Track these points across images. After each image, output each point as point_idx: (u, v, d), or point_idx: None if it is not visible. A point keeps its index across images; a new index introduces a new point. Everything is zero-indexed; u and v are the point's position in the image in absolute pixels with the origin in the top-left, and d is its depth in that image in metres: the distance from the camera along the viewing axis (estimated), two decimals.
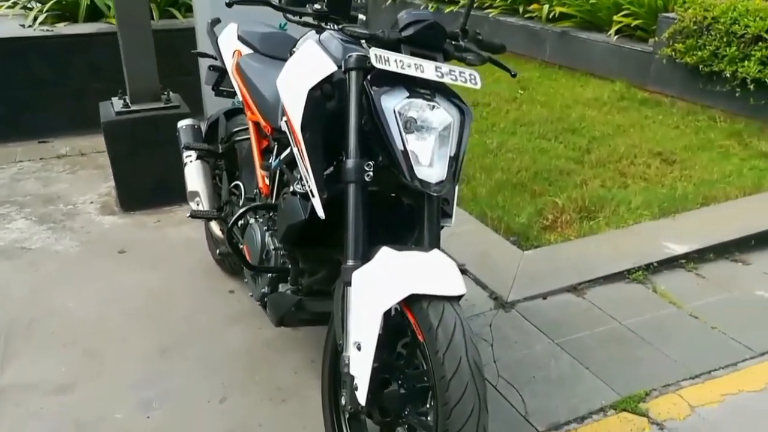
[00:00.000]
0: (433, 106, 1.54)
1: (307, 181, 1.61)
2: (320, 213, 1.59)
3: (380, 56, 1.46)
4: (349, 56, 1.54)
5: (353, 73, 1.53)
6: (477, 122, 4.77)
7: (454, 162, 1.57)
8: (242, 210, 1.91)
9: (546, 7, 6.55)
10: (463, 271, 2.80)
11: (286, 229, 1.72)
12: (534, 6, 6.78)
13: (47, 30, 4.40)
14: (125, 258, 2.94)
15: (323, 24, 1.60)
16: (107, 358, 2.25)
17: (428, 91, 1.55)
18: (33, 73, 4.31)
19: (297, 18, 1.63)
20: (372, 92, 1.49)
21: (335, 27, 1.60)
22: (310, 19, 1.62)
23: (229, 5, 1.65)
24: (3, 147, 4.21)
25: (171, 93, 3.40)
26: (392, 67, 1.47)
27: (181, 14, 4.64)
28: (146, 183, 3.32)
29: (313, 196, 1.58)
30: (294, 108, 1.60)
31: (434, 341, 1.37)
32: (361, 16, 1.66)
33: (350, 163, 1.51)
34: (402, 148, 1.48)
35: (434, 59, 1.56)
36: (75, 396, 2.08)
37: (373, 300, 1.43)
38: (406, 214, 1.71)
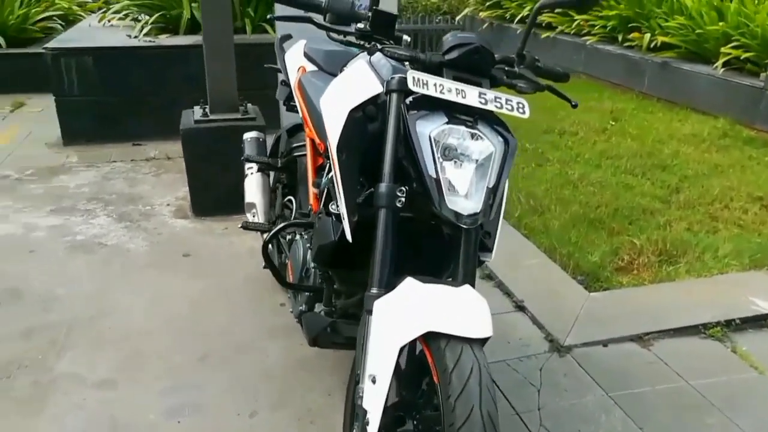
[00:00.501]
0: (474, 134, 1.46)
1: (339, 203, 1.57)
2: (348, 236, 1.54)
3: (418, 79, 1.41)
4: (391, 78, 1.49)
5: (393, 96, 1.48)
6: (561, 151, 4.60)
7: (492, 194, 1.48)
8: (279, 227, 1.90)
9: (647, 36, 6.24)
10: (521, 308, 2.66)
11: (317, 249, 1.69)
12: (634, 35, 6.48)
13: (150, 41, 4.67)
14: (188, 261, 3.03)
15: (366, 44, 1.56)
16: (151, 360, 2.30)
17: (470, 118, 1.47)
18: (134, 80, 4.58)
19: (341, 37, 1.61)
20: (407, 116, 1.44)
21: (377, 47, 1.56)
22: (353, 39, 1.59)
23: (272, 20, 1.65)
24: (101, 147, 4.50)
25: (249, 105, 3.49)
26: (430, 91, 1.41)
27: (273, 29, 4.79)
28: (218, 190, 3.41)
29: (343, 218, 1.54)
30: (333, 128, 1.57)
31: (447, 385, 1.28)
32: (406, 37, 1.61)
33: (383, 187, 1.46)
34: (434, 176, 1.41)
35: (479, 85, 1.48)
36: (116, 393, 2.14)
37: (391, 333, 1.36)
38: (446, 244, 1.63)
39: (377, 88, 1.54)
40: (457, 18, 9.90)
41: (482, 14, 9.19)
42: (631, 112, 5.67)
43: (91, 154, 4.41)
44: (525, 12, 8.09)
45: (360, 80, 1.61)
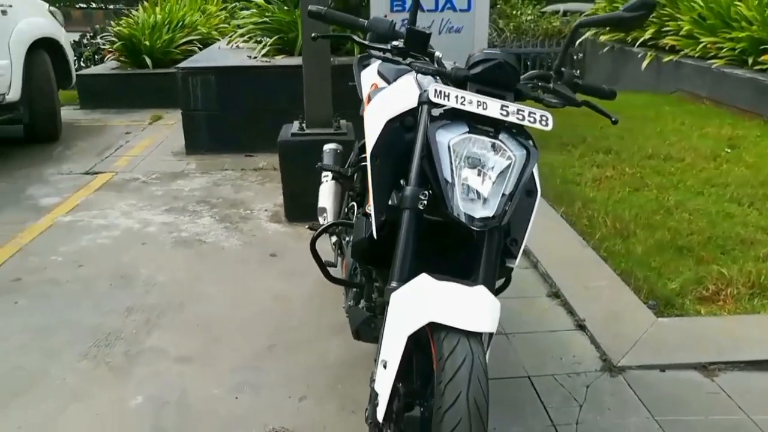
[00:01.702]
0: (494, 144, 1.55)
1: (370, 203, 1.71)
2: (374, 233, 1.68)
3: (440, 91, 1.53)
4: (424, 91, 1.62)
5: (424, 107, 1.61)
6: (662, 177, 4.42)
7: (508, 200, 1.56)
8: (324, 225, 2.08)
9: None
10: (581, 327, 2.65)
11: (352, 245, 1.84)
12: (766, 57, 6.08)
13: (266, 61, 5.11)
14: (273, 261, 3.30)
15: (402, 60, 1.70)
16: (225, 344, 2.56)
17: (491, 129, 1.56)
18: (250, 96, 5.03)
19: (380, 53, 1.76)
20: (430, 125, 1.56)
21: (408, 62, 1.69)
22: (390, 56, 1.73)
23: (314, 39, 1.84)
24: (218, 157, 4.98)
25: (342, 121, 3.74)
26: (451, 103, 1.52)
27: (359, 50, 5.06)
28: (309, 198, 3.65)
29: (371, 217, 1.69)
30: (371, 135, 1.73)
31: (441, 372, 1.37)
32: (438, 53, 1.73)
33: (408, 190, 1.59)
34: (450, 180, 1.52)
35: (502, 98, 1.57)
36: (190, 368, 2.41)
37: (401, 322, 1.48)
38: (473, 248, 1.72)
39: (413, 102, 1.68)
40: (578, 41, 9.75)
41: (603, 38, 8.99)
42: (753, 140, 5.32)
43: (208, 163, 4.89)
44: (647, 35, 7.83)
45: (401, 93, 1.76)
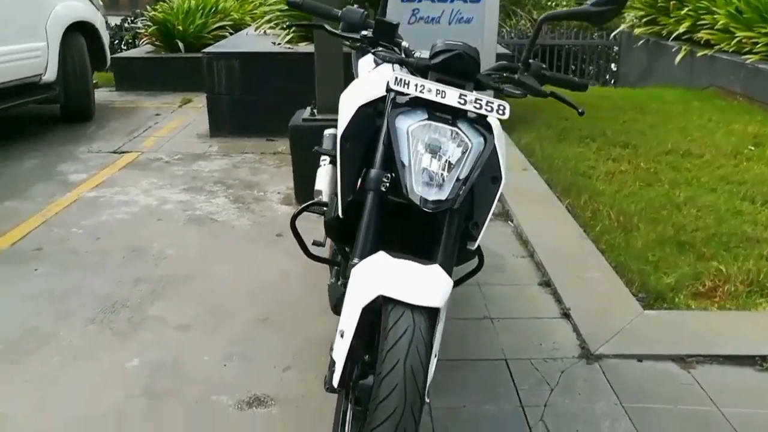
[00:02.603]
0: (452, 131, 1.63)
1: (338, 184, 1.81)
2: (339, 212, 1.78)
3: (400, 79, 1.61)
4: (391, 79, 1.71)
5: (391, 95, 1.70)
6: (676, 173, 4.39)
7: (462, 185, 1.63)
8: (304, 205, 2.18)
9: None
10: (566, 316, 2.70)
11: (324, 223, 1.95)
12: None
13: (289, 48, 5.23)
14: (279, 240, 3.43)
15: (370, 49, 1.79)
16: (222, 316, 2.70)
17: (450, 117, 1.64)
18: (272, 82, 5.17)
19: (349, 43, 1.85)
20: (390, 112, 1.65)
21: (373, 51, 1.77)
22: (360, 45, 1.82)
23: (288, 27, 1.94)
24: (240, 140, 5.14)
25: None
26: (411, 91, 1.61)
27: None
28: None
29: (338, 197, 1.79)
30: (343, 119, 1.83)
31: (384, 341, 1.47)
32: (405, 43, 1.80)
33: (372, 173, 1.68)
34: (406, 164, 1.61)
35: (462, 87, 1.64)
36: (187, 336, 2.56)
37: (357, 295, 1.58)
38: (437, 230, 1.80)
39: (383, 90, 1.77)
40: (613, 34, 9.61)
41: (637, 31, 8.84)
42: None
43: (230, 145, 5.06)
44: (681, 29, 7.67)
45: (375, 81, 1.85)
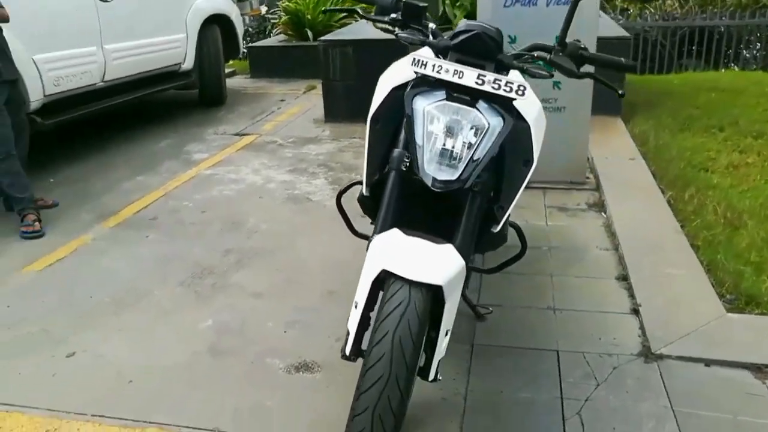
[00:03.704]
0: (469, 112, 1.63)
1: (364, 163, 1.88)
2: (364, 190, 1.85)
3: (418, 60, 1.64)
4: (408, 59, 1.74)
5: (417, 76, 1.73)
6: None
7: (477, 166, 1.63)
8: (348, 184, 2.26)
9: None
10: (636, 312, 2.56)
11: (358, 200, 2.02)
12: None
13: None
14: (362, 221, 3.53)
15: (398, 32, 1.82)
16: (295, 286, 2.89)
17: (468, 97, 1.64)
18: (383, 68, 5.29)
19: (381, 26, 1.89)
20: (408, 91, 1.68)
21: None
22: (389, 27, 1.86)
23: (324, 12, 2.01)
24: (351, 125, 5.33)
25: None
26: (428, 71, 1.63)
27: None
28: None
29: (363, 176, 1.85)
30: (376, 101, 1.89)
31: (379, 313, 1.53)
32: (432, 25, 1.80)
33: (395, 152, 1.74)
34: (420, 143, 1.63)
35: (482, 68, 1.63)
36: (258, 302, 2.77)
37: (368, 269, 1.65)
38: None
39: (412, 72, 1.80)
40: None
41: None
42: None
43: (341, 130, 5.28)
44: None
45: (408, 64, 1.88)
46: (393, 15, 1.86)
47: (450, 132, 1.64)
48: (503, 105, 1.67)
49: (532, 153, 1.79)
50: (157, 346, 2.49)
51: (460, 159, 1.63)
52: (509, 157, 1.80)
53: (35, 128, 4.16)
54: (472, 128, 1.63)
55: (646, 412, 2.02)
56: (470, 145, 1.63)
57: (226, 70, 7.78)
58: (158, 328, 2.62)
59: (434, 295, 1.57)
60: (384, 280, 1.60)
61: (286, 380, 2.28)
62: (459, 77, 1.62)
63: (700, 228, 3.17)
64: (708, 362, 2.25)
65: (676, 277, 2.76)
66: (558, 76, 3.60)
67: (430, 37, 1.78)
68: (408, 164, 1.71)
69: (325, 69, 5.43)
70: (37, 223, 3.52)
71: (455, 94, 1.65)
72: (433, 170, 1.64)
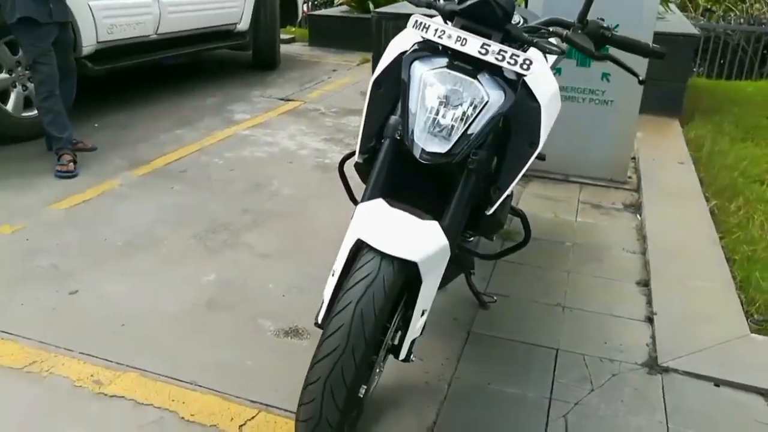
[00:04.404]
0: (468, 82, 1.53)
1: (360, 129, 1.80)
2: (356, 157, 1.77)
3: (420, 23, 1.54)
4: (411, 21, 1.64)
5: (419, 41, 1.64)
6: None
7: (471, 141, 1.52)
8: (351, 152, 2.18)
9: None
10: (649, 320, 2.40)
11: (354, 166, 1.95)
12: None
13: None
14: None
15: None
16: (301, 251, 2.85)
17: (470, 67, 1.53)
18: None
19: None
20: (407, 55, 1.58)
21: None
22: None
23: None
24: None
25: None
26: (429, 35, 1.53)
27: None
28: None
29: (358, 142, 1.77)
30: (381, 64, 1.80)
31: (345, 282, 1.46)
32: None
33: (392, 119, 1.65)
34: (413, 111, 1.54)
35: (488, 36, 1.52)
36: (263, 262, 2.75)
37: (348, 237, 1.59)
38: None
39: (419, 37, 1.70)
40: None
41: None
42: None
43: None
44: None
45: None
46: None
47: (446, 102, 1.54)
48: (509, 79, 1.55)
49: (539, 135, 1.67)
50: (157, 294, 2.51)
51: (453, 132, 1.53)
52: (514, 137, 1.69)
53: (85, 73, 4.26)
54: (469, 100, 1.52)
55: (637, 425, 1.89)
56: (465, 118, 1.53)
57: (287, 37, 7.82)
58: (162, 276, 2.63)
59: (410, 271, 1.49)
60: (359, 249, 1.53)
61: (273, 343, 2.25)
62: (461, 44, 1.51)
63: (740, 242, 2.96)
64: (718, 382, 2.08)
65: (702, 289, 2.58)
66: (609, 67, 3.45)
67: (440, 1, 1.67)
68: (401, 132, 1.63)
69: (377, 41, 5.34)
70: (71, 163, 3.60)
71: (457, 63, 1.55)
72: (423, 141, 1.54)
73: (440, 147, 1.54)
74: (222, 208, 3.26)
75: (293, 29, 8.33)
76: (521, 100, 1.64)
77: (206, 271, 2.67)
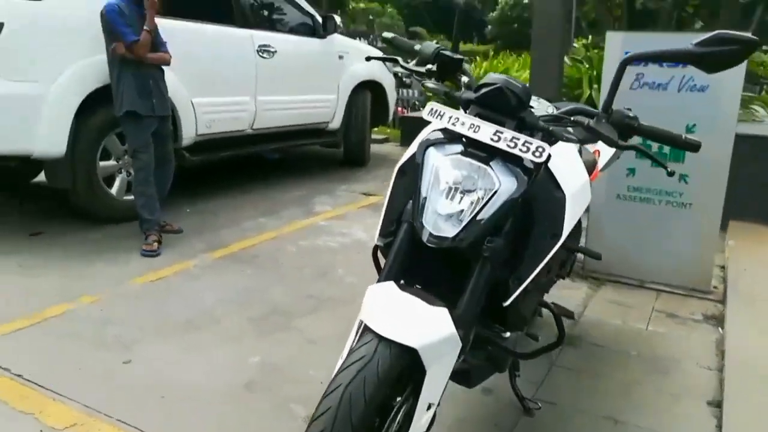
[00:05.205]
0: (482, 168, 1.52)
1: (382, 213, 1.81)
2: (376, 240, 1.78)
3: (435, 110, 1.57)
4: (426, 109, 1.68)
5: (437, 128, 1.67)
6: None
7: (480, 227, 1.49)
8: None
9: None
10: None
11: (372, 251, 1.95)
12: None
13: None
14: None
15: (428, 82, 1.76)
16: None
17: (484, 154, 1.53)
18: None
19: (416, 76, 1.84)
20: (421, 141, 1.61)
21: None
22: (426, 78, 1.80)
23: (367, 60, 2.00)
24: None
25: None
26: (443, 123, 1.55)
27: None
28: None
29: (378, 226, 1.79)
30: (407, 153, 1.84)
31: (341, 363, 1.43)
32: (465, 78, 1.71)
33: (409, 204, 1.66)
34: (424, 194, 1.55)
35: (501, 124, 1.52)
36: (311, 348, 2.76)
37: (357, 318, 1.57)
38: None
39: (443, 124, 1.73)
40: None
41: None
42: None
43: None
44: None
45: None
46: (429, 66, 1.82)
47: (457, 187, 1.53)
48: (526, 167, 1.53)
49: (562, 227, 1.61)
50: (201, 371, 2.57)
51: (462, 216, 1.52)
52: (537, 227, 1.64)
53: (183, 163, 4.65)
54: (480, 186, 1.51)
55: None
56: (475, 204, 1.51)
57: (380, 137, 8.18)
58: (211, 354, 2.70)
59: (410, 359, 1.44)
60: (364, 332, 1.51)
61: (300, 429, 2.20)
62: (474, 131, 1.52)
63: None
64: None
65: (740, 350, 2.28)
66: (688, 168, 3.30)
67: (462, 89, 1.70)
68: None
69: None
70: (155, 243, 3.87)
71: (471, 150, 1.56)
72: (431, 224, 1.54)
73: (448, 231, 1.52)
74: (285, 293, 3.34)
75: (387, 130, 8.70)
76: (544, 189, 1.62)
77: (252, 353, 2.71)
